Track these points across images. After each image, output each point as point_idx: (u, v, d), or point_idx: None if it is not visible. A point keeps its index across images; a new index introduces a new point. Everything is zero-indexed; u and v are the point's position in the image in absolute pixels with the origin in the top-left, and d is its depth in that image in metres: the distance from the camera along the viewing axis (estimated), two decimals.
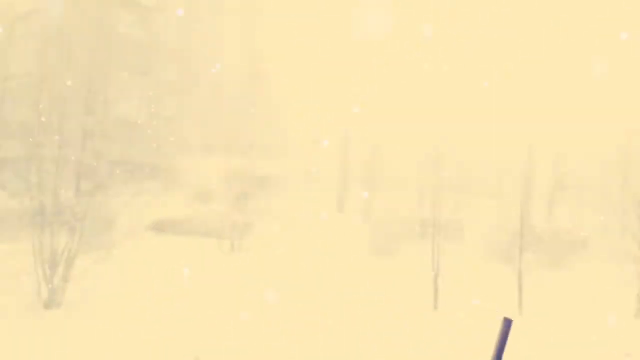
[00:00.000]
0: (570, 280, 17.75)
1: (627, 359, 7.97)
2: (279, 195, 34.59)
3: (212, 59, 34.57)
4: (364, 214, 29.23)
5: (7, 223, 12.06)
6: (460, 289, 13.76)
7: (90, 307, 10.46)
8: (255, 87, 37.54)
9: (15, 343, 8.29)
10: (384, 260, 18.97)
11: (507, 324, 2.62)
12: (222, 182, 22.66)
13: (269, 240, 20.57)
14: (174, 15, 34.94)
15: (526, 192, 15.91)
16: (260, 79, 38.29)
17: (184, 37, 35.05)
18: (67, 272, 10.62)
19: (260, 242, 20.00)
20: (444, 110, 42.04)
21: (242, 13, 38.14)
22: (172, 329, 9.60)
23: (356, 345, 9.72)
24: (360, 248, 20.23)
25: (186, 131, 30.30)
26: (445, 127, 38.38)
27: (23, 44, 22.11)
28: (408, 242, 18.30)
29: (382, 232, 19.46)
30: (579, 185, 29.66)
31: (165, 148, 31.73)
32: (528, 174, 20.58)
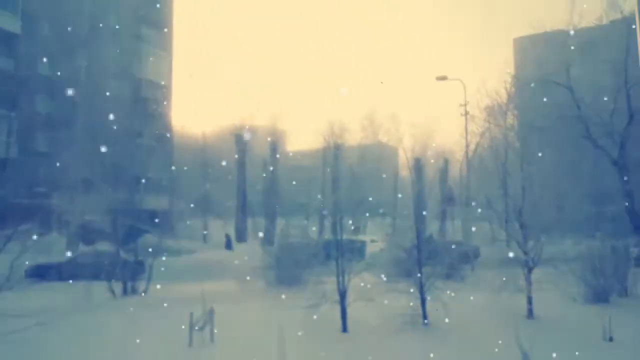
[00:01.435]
0: (465, 289, 18.86)
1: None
2: (172, 230, 33.16)
3: (91, 88, 32.62)
4: (266, 241, 28.95)
5: None
6: (366, 308, 14.00)
7: None
8: (142, 117, 35.91)
9: None
10: (289, 287, 18.84)
11: None
12: (108, 219, 21.19)
13: (165, 279, 19.53)
14: (46, 42, 32.55)
15: (418, 208, 16.76)
16: (148, 108, 36.76)
17: (58, 66, 32.75)
18: None
19: (156, 282, 18.90)
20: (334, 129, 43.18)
21: (123, 40, 36.56)
22: None
23: None
24: (264, 277, 19.92)
25: (63, 166, 28.12)
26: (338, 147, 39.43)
27: None
28: (312, 267, 18.36)
29: (285, 259, 19.37)
30: (464, 198, 31.95)
31: (40, 186, 29.16)
32: (418, 190, 21.71)
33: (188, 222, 36.83)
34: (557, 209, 17.33)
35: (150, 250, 19.76)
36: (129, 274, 18.55)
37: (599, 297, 15.54)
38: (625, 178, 27.28)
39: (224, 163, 33.49)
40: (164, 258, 21.18)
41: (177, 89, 41.09)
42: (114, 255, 19.05)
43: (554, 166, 27.94)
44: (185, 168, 40.09)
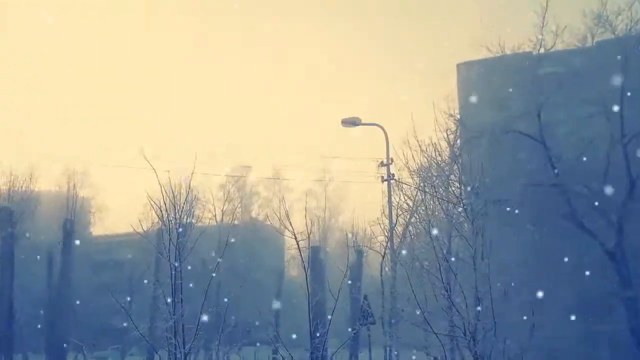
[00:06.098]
0: None
1: None
2: None
3: None
4: None
5: None
6: None
7: None
8: None
9: None
10: None
11: None
12: None
13: None
14: None
15: (316, 330, 16.40)
16: None
17: None
18: None
19: None
20: None
21: None
22: None
23: None
24: None
25: None
26: None
27: None
28: None
29: None
30: (388, 311, 31.58)
31: None
32: (317, 300, 21.35)
33: None
34: (530, 329, 17.64)
35: None
36: None
37: None
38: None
39: None
40: None
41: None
42: None
43: (520, 259, 28.34)
44: None
